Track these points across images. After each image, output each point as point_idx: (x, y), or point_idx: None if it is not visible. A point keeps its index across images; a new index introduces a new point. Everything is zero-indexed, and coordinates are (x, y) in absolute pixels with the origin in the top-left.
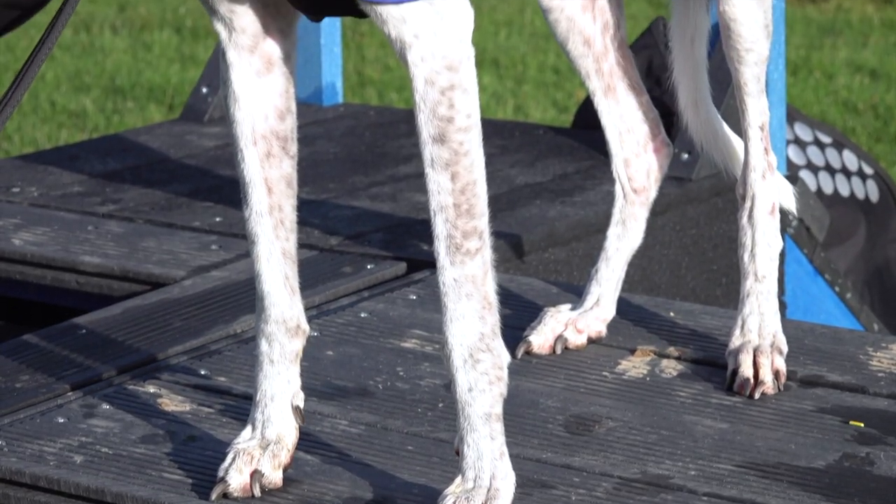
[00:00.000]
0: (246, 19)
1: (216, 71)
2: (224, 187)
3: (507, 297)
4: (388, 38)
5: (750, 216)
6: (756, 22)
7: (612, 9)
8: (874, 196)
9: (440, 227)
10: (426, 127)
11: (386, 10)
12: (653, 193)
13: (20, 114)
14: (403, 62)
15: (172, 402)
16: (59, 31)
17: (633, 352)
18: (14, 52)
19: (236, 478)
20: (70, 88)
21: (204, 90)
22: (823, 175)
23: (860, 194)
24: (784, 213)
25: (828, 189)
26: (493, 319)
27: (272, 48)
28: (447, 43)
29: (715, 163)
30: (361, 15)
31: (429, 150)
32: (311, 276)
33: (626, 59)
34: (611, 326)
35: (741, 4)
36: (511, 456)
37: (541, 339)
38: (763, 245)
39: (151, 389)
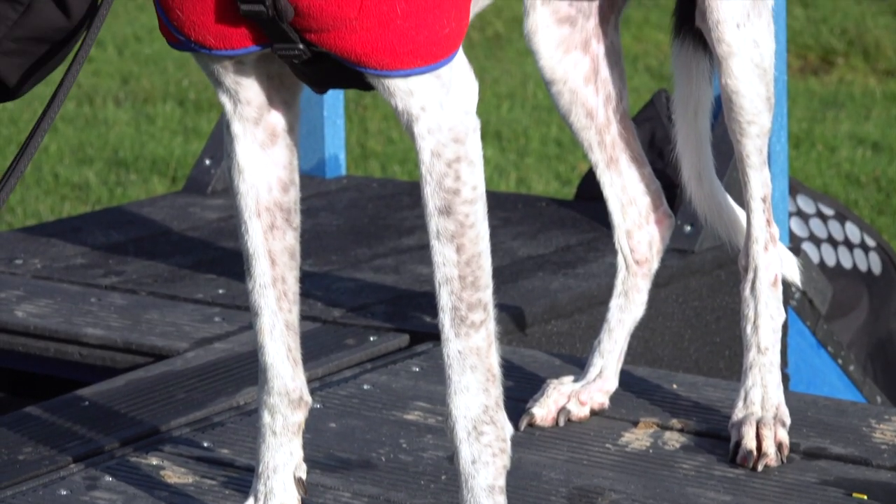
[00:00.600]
0: (251, 91)
1: (219, 143)
2: (227, 259)
3: (510, 370)
4: (395, 111)
5: (753, 288)
6: (758, 95)
7: (615, 81)
8: (877, 268)
9: (445, 299)
10: (432, 199)
11: (393, 84)
12: (655, 265)
13: (23, 186)
14: (410, 134)
15: (175, 475)
16: (61, 101)
17: (635, 424)
18: (17, 125)
19: None
20: (73, 161)
21: (207, 162)
22: (826, 247)
23: (863, 267)
24: (787, 286)
25: (830, 261)
26: (496, 392)
27: (276, 120)
28: (453, 115)
29: (718, 235)
30: (367, 88)
31: (434, 222)
32: (313, 348)
33: (629, 132)
34: (613, 398)
35: (743, 77)
36: None
37: (543, 411)
38: (766, 317)
39: (154, 462)
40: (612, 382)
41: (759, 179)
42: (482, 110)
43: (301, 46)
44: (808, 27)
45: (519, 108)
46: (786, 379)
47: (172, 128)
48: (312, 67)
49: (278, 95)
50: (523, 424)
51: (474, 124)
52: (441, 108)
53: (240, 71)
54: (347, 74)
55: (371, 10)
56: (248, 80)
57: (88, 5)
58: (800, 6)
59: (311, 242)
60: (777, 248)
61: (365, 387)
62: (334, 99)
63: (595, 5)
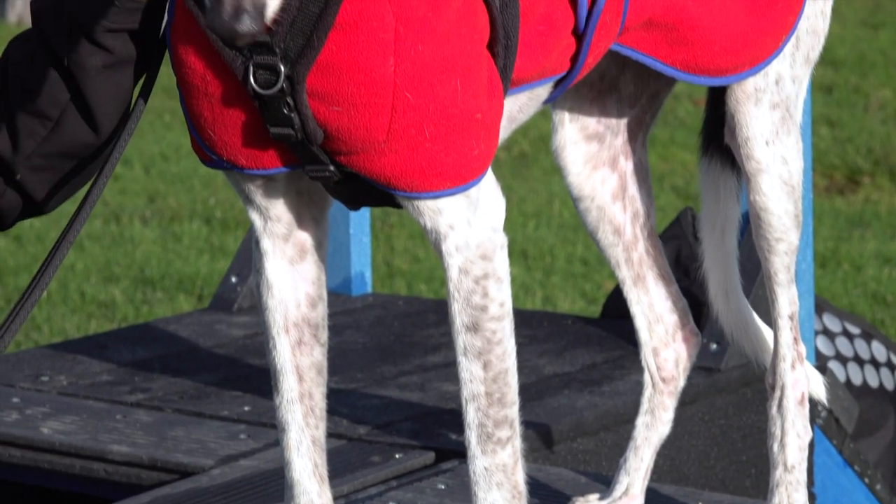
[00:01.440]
0: (281, 208)
1: (245, 260)
2: (252, 377)
3: (536, 487)
4: (424, 229)
5: (779, 406)
6: (787, 212)
7: (642, 198)
8: None
9: (472, 416)
10: (460, 316)
11: (422, 204)
12: (681, 383)
13: (49, 304)
14: (438, 252)
15: None
16: (85, 217)
17: None
18: (43, 242)
19: None
20: (99, 279)
21: (233, 279)
22: (852, 366)
23: (889, 385)
24: (813, 404)
25: (857, 380)
26: None
27: (305, 236)
28: (481, 232)
29: (744, 352)
30: (398, 206)
31: (462, 339)
32: (339, 465)
33: (656, 249)
34: None
35: (772, 194)
36: None
37: None
38: (792, 435)
39: None
40: (638, 500)
41: (787, 297)
42: (508, 229)
43: (332, 168)
44: (834, 147)
45: (545, 226)
46: (812, 498)
47: (199, 246)
48: (344, 187)
49: (308, 211)
50: None
51: (502, 241)
52: (469, 226)
53: (270, 188)
54: (378, 194)
55: (400, 133)
56: (278, 197)
57: (117, 122)
58: (826, 126)
59: (337, 359)
60: (804, 367)
61: None
62: (360, 217)
63: (624, 122)
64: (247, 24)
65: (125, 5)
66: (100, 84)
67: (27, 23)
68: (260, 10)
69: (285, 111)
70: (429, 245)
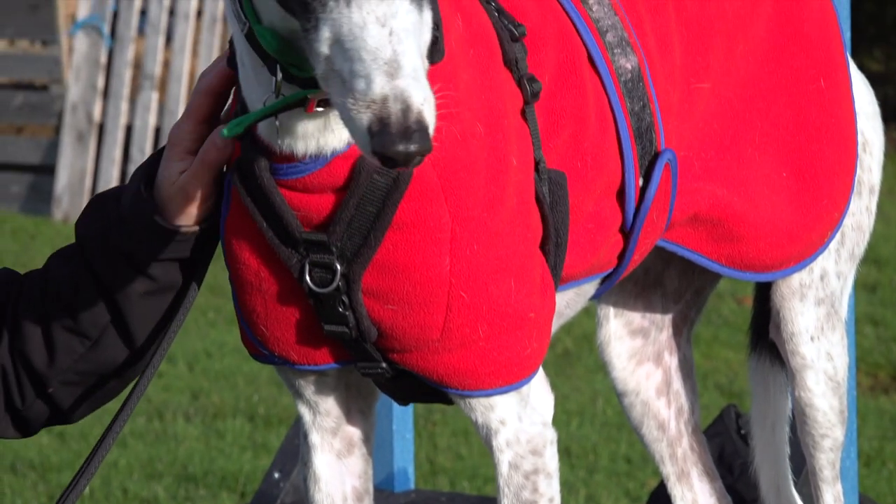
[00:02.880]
0: (330, 402)
1: (288, 456)
2: None
3: None
4: (475, 424)
5: None
6: (832, 408)
7: (687, 394)
8: None
9: None
10: None
11: (474, 401)
12: None
13: (92, 500)
14: (488, 447)
15: None
16: (128, 415)
17: None
18: (87, 440)
19: None
20: (142, 476)
21: (276, 475)
22: None
23: None
24: None
25: None
26: None
27: (353, 430)
28: (532, 427)
29: None
30: (449, 402)
31: None
32: None
33: (700, 445)
34: None
35: (817, 390)
36: None
37: None
38: None
39: None
40: None
41: (832, 493)
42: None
43: (384, 365)
44: (879, 346)
45: (588, 424)
46: None
47: (242, 443)
48: (395, 383)
49: (356, 405)
50: None
51: (552, 436)
52: (520, 421)
53: (321, 383)
54: (429, 390)
55: (454, 332)
56: (328, 392)
57: (153, 343)
58: (870, 325)
59: None
60: None
61: None
62: (404, 413)
63: (668, 317)
64: (417, 143)
65: (176, 237)
66: (141, 309)
67: (73, 221)
68: (425, 127)
69: (340, 309)
70: (472, 442)
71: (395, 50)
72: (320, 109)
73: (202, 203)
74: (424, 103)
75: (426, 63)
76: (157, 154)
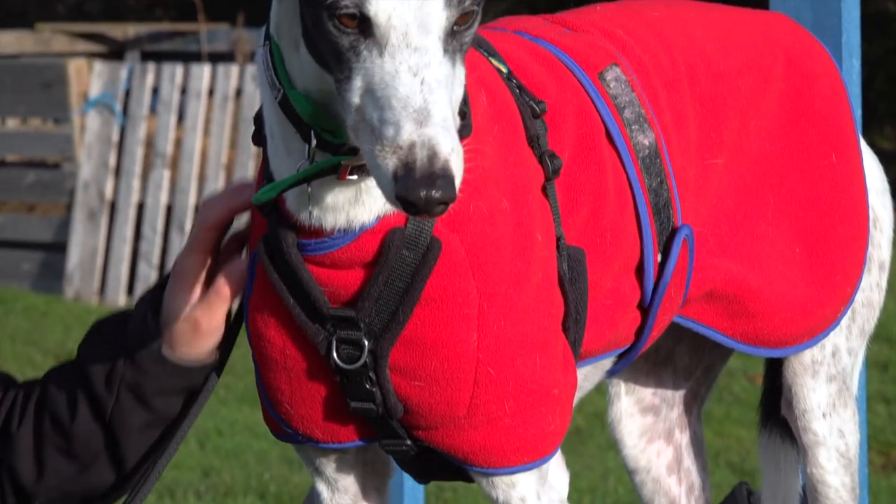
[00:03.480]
0: (349, 480)
1: None
2: None
3: None
4: (494, 501)
5: None
6: (843, 485)
7: (698, 471)
8: None
9: None
10: None
11: (497, 478)
12: None
13: None
14: None
15: None
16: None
17: None
18: None
19: None
20: None
21: None
22: None
23: None
24: None
25: None
26: None
27: None
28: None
29: None
30: (469, 480)
31: None
32: None
33: None
34: None
35: (829, 467)
36: None
37: None
38: None
39: None
40: None
41: None
42: None
43: (408, 443)
44: (891, 424)
45: (600, 502)
46: None
47: None
48: (417, 460)
49: (371, 482)
50: None
51: None
52: (538, 499)
53: (342, 461)
54: (451, 468)
55: (481, 408)
56: (348, 470)
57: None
58: (882, 403)
59: None
60: None
61: None
62: (415, 490)
63: (679, 394)
64: (441, 190)
65: (185, 371)
66: (137, 440)
67: (84, 299)
68: (451, 176)
69: (367, 386)
70: None
71: (426, 99)
72: (354, 178)
73: (212, 336)
74: (452, 153)
75: (457, 118)
76: (161, 282)
